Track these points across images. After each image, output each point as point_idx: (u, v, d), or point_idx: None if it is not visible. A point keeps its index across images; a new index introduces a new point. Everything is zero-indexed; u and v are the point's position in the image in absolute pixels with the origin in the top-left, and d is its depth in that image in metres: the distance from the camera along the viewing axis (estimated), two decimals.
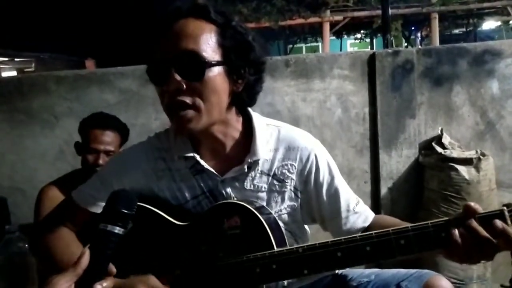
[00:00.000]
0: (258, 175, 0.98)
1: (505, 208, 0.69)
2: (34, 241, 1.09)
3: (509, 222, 0.68)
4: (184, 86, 0.85)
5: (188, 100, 0.86)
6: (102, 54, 9.60)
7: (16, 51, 9.21)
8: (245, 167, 0.96)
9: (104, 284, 0.72)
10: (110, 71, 2.29)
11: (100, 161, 1.62)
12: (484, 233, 0.70)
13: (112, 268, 0.74)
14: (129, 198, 0.76)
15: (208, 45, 0.86)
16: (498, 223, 0.69)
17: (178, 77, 0.85)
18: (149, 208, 0.96)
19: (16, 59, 10.09)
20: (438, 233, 0.71)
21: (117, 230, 0.73)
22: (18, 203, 2.24)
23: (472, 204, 0.71)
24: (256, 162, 0.97)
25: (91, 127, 1.67)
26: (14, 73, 9.57)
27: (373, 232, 0.77)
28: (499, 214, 0.69)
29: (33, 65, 10.03)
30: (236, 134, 0.99)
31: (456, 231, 0.71)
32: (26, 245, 1.33)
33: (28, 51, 9.36)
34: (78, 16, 9.13)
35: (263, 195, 0.99)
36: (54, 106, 2.26)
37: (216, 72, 0.87)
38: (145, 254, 0.95)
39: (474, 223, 0.71)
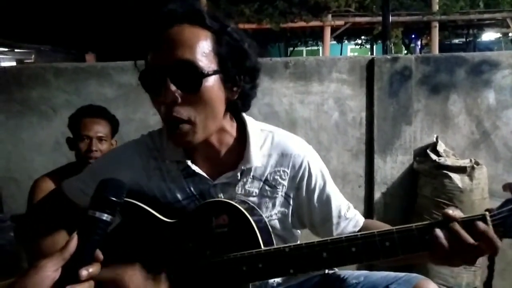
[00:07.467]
0: (249, 180, 0.98)
1: (487, 212, 0.70)
2: (21, 230, 1.09)
3: (490, 226, 0.69)
4: (180, 99, 0.83)
5: (184, 115, 0.84)
6: (102, 48, 9.58)
7: (16, 42, 9.19)
8: (238, 174, 0.96)
9: (90, 270, 0.72)
10: (110, 65, 2.29)
11: (93, 147, 1.60)
12: (465, 235, 0.71)
13: (99, 254, 0.74)
14: (118, 187, 0.77)
15: (204, 54, 0.83)
16: (481, 224, 0.70)
17: (173, 88, 0.82)
18: (138, 205, 0.95)
19: (16, 50, 10.07)
20: (422, 235, 0.72)
21: (105, 217, 0.73)
22: (12, 193, 2.25)
23: (450, 211, 0.72)
24: (249, 169, 0.97)
25: (81, 117, 1.67)
26: (13, 63, 9.54)
27: (359, 233, 0.78)
28: (481, 219, 0.70)
29: (33, 56, 10.02)
30: (231, 140, 0.98)
31: (440, 232, 0.72)
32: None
33: (28, 43, 9.34)
34: (80, 9, 9.12)
35: (254, 200, 0.98)
36: (52, 98, 2.26)
37: (212, 81, 0.84)
38: (133, 250, 0.94)
39: (457, 226, 0.72)
